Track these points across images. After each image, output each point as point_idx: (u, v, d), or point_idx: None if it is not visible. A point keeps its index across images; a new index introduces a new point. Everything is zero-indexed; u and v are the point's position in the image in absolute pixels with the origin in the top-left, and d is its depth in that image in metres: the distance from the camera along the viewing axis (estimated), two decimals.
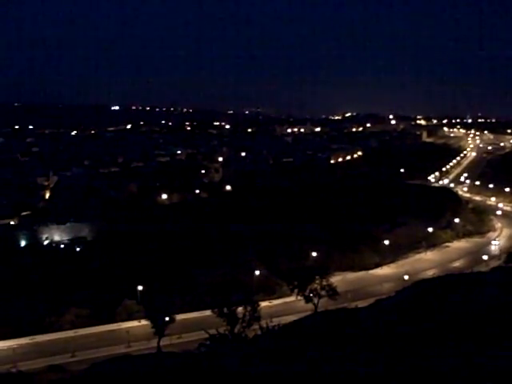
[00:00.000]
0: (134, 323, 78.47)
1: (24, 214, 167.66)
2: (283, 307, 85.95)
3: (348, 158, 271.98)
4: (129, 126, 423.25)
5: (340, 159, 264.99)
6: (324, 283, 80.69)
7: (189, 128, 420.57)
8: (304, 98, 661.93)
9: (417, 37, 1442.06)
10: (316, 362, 34.94)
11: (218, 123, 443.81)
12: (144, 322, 73.46)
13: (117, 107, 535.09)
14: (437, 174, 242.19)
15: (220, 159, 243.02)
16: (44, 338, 74.32)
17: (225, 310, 65.94)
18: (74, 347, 70.16)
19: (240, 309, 65.92)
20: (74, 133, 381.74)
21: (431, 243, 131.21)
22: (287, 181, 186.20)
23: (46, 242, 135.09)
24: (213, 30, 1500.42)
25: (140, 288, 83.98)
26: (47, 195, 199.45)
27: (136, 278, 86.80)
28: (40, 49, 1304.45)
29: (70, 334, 75.86)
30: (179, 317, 72.43)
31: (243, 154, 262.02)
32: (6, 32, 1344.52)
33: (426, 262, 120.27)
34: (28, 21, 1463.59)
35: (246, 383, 34.34)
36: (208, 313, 70.25)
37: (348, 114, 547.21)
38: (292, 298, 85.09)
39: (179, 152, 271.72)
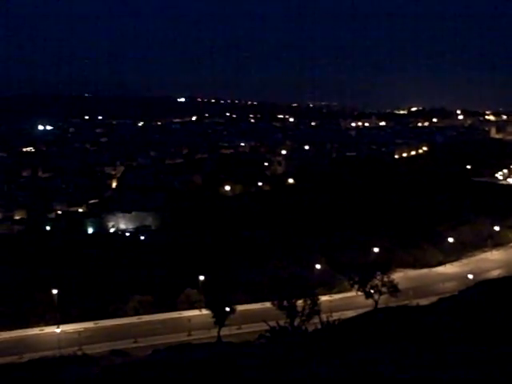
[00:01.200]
0: (195, 312, 79.67)
1: (92, 202, 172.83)
2: (343, 302, 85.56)
3: (413, 153, 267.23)
4: (194, 118, 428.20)
5: (404, 154, 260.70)
6: (385, 279, 79.77)
7: (253, 120, 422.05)
8: (369, 92, 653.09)
9: (486, 30, 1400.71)
10: (375, 360, 34.71)
11: (281, 116, 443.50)
12: (205, 312, 74.49)
13: (183, 99, 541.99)
14: (505, 171, 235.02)
15: (283, 152, 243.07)
16: (108, 323, 76.45)
17: (284, 302, 66.17)
18: (136, 333, 71.89)
19: (300, 302, 66.02)
20: (140, 124, 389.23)
21: (497, 242, 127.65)
22: (350, 175, 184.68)
23: (112, 230, 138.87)
24: (274, 23, 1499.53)
25: (202, 278, 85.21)
26: (114, 184, 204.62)
27: (198, 267, 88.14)
28: (110, 41, 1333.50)
29: (134, 320, 77.75)
30: (239, 308, 73.16)
31: (306, 147, 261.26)
32: (80, 26, 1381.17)
33: (491, 261, 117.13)
34: (100, 15, 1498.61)
35: (303, 376, 34.48)
36: (268, 305, 70.65)
37: (414, 109, 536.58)
38: (352, 294, 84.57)
39: (243, 144, 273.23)
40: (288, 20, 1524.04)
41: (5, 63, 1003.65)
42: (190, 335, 72.34)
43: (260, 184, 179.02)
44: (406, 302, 79.44)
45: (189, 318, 76.03)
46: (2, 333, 72.78)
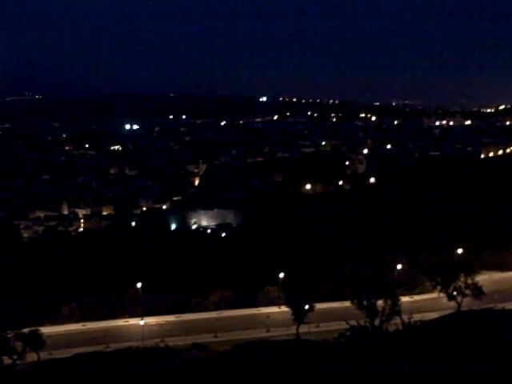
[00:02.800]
0: (274, 309, 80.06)
1: (175, 199, 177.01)
2: (425, 303, 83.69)
3: (500, 152, 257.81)
4: (275, 117, 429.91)
5: (491, 154, 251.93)
6: (469, 281, 77.48)
7: (334, 119, 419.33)
8: (454, 90, 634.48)
9: None
10: (456, 364, 34.03)
11: (363, 115, 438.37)
12: (284, 309, 74.75)
13: (265, 98, 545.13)
14: None
15: (365, 151, 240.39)
16: (189, 317, 78.05)
17: (364, 302, 65.57)
18: (216, 328, 73.02)
19: (380, 302, 65.23)
20: (223, 123, 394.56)
21: None
22: (434, 175, 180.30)
23: (194, 227, 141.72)
24: (361, 23, 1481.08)
25: (282, 275, 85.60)
26: (196, 182, 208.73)
27: (278, 265, 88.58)
28: (194, 42, 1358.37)
29: (214, 314, 79.01)
30: (318, 306, 72.97)
31: (388, 146, 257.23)
32: (165, 26, 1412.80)
33: None
34: (185, 15, 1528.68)
35: (384, 375, 34.27)
36: (347, 304, 70.16)
37: (502, 107, 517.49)
38: (434, 295, 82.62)
39: (324, 143, 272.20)
40: (377, 18, 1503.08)
41: (94, 65, 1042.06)
42: (268, 332, 72.80)
43: (340, 183, 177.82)
44: (491, 305, 76.98)
45: (268, 315, 76.50)
46: (90, 323, 75.77)
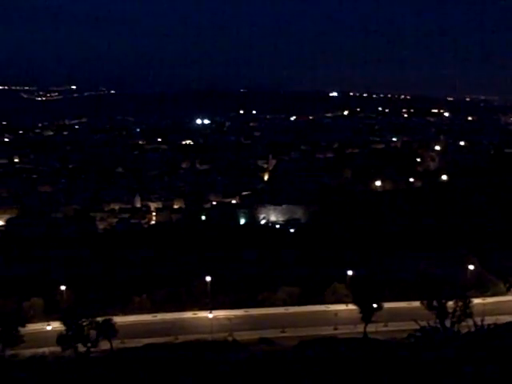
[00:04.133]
0: (342, 307, 79.78)
1: (244, 193, 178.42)
2: (498, 306, 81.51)
3: None
4: (346, 113, 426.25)
5: None
6: None
7: (406, 115, 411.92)
8: None
9: None
10: None
11: (436, 110, 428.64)
12: (351, 307, 74.47)
13: (335, 93, 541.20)
14: None
15: (437, 148, 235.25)
16: (257, 312, 78.79)
17: (434, 302, 64.54)
18: (283, 323, 73.45)
19: (450, 303, 64.07)
20: (293, 118, 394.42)
21: None
22: (509, 173, 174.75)
23: (262, 222, 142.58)
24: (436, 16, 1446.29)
25: (350, 273, 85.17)
26: (266, 177, 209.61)
27: (346, 262, 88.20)
28: (266, 38, 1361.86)
29: (281, 310, 79.50)
30: (386, 305, 72.31)
31: (462, 142, 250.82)
32: (235, 24, 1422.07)
33: None
34: (256, 13, 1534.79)
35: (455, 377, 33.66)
36: (416, 304, 69.22)
37: None
38: (508, 298, 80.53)
39: (395, 139, 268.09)
40: (456, 13, 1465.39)
41: (167, 61, 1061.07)
42: (336, 329, 72.67)
43: (411, 180, 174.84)
44: None
45: (335, 312, 76.38)
46: (160, 314, 77.66)
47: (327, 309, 79.97)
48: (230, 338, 67.73)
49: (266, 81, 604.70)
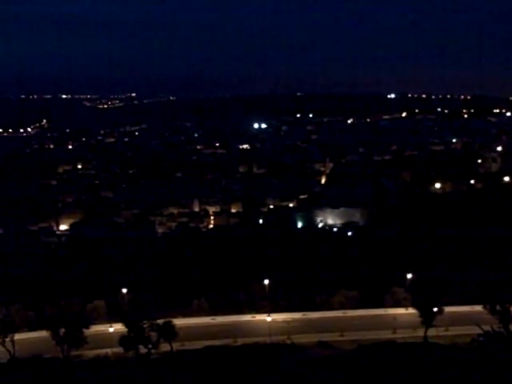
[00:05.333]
0: (401, 310, 78.68)
1: (302, 197, 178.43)
2: None
3: None
4: (404, 114, 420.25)
5: None
6: None
7: (466, 116, 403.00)
8: None
9: None
10: None
11: (497, 110, 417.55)
12: (411, 311, 73.36)
13: (393, 95, 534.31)
14: None
15: (498, 149, 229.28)
16: (315, 315, 78.53)
17: (497, 307, 63.07)
18: (342, 327, 72.98)
19: None
20: (350, 121, 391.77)
21: None
22: None
23: (320, 225, 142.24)
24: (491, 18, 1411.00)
25: (409, 276, 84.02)
26: (323, 180, 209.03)
27: (405, 265, 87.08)
28: (322, 41, 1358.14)
29: (339, 314, 78.99)
30: (447, 309, 70.98)
31: None
32: (291, 28, 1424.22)
33: None
34: (310, 15, 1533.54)
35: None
36: (478, 308, 67.75)
37: None
38: None
39: (455, 140, 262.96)
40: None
41: (222, 65, 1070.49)
42: (395, 333, 71.69)
43: (472, 182, 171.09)
44: None
45: (394, 316, 75.42)
46: (219, 317, 78.47)
47: (386, 312, 79.02)
48: (288, 341, 67.80)
49: (323, 84, 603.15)
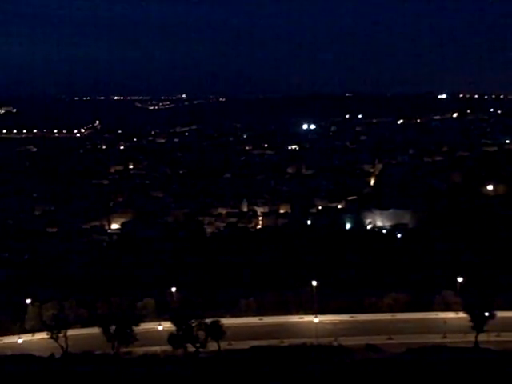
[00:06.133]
0: (451, 314, 77.48)
1: (350, 198, 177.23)
2: None
3: None
4: (455, 115, 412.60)
5: None
6: None
7: None
8: None
9: None
10: None
11: None
12: (461, 315, 72.17)
13: (444, 95, 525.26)
14: None
15: None
16: (363, 318, 78.06)
17: None
18: (390, 330, 72.31)
19: None
20: (400, 122, 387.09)
21: None
22: None
23: (368, 227, 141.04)
24: None
25: (460, 279, 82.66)
26: (372, 182, 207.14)
27: (456, 268, 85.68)
28: (371, 41, 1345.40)
29: (388, 316, 78.27)
30: (500, 314, 69.53)
31: None
32: (341, 29, 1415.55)
33: None
34: (369, 16, 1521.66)
35: None
36: None
37: None
38: None
39: (508, 141, 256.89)
40: None
41: (272, 66, 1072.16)
42: (444, 337, 70.67)
43: None
44: None
45: (444, 320, 74.34)
46: (266, 317, 78.75)
47: (436, 316, 77.93)
48: (335, 343, 67.55)
49: (372, 84, 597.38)
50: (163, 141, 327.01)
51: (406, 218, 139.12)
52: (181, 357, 62.07)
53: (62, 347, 65.81)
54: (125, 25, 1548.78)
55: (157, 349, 65.52)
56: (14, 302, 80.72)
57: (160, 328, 72.45)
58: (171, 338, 64.07)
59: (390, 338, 70.90)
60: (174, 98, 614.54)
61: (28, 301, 79.14)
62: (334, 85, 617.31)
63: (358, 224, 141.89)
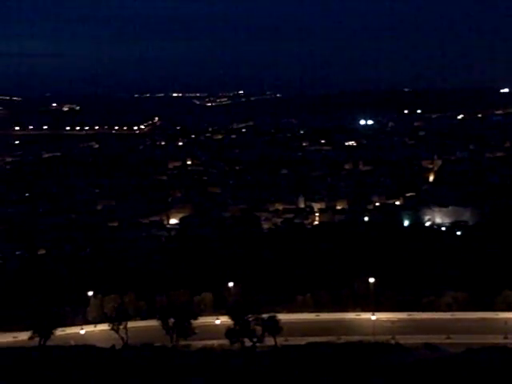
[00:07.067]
0: None
1: (408, 195, 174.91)
2: None
3: None
4: None
5: None
6: None
7: None
8: None
9: None
10: None
11: None
12: None
13: (506, 90, 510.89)
14: None
15: None
16: (421, 316, 77.17)
17: None
18: (449, 329, 71.27)
19: None
20: (460, 116, 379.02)
21: None
22: None
23: (427, 224, 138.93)
24: None
25: None
26: (431, 178, 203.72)
27: None
28: (427, 37, 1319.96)
29: (447, 315, 77.16)
30: None
31: None
32: (395, 25, 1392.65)
33: None
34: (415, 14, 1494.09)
35: None
36: None
37: None
38: None
39: None
40: None
41: (329, 62, 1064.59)
42: (506, 338, 69.19)
43: None
44: None
45: (505, 320, 72.79)
46: (323, 314, 78.80)
47: (496, 316, 76.37)
48: (392, 341, 67.02)
49: (430, 79, 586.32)
50: (220, 137, 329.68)
51: (466, 215, 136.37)
52: (237, 351, 62.79)
53: (122, 339, 67.50)
54: (184, 22, 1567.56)
55: (214, 342, 66.47)
56: (77, 294, 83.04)
57: (217, 322, 73.45)
58: (228, 332, 64.88)
59: (449, 338, 69.93)
60: (231, 94, 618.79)
61: (90, 293, 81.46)
62: (392, 80, 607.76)
63: (417, 221, 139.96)
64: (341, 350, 60.25)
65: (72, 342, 68.27)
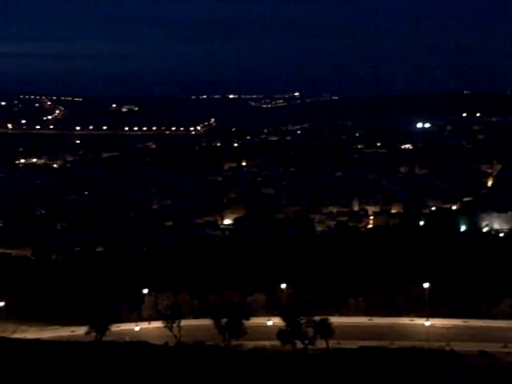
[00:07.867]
0: None
1: (466, 199, 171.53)
2: None
3: None
4: None
5: None
6: None
7: None
8: None
9: None
10: None
11: None
12: None
13: None
14: None
15: None
16: (477, 323, 75.51)
17: None
18: (506, 338, 69.60)
19: None
20: None
21: None
22: None
23: (485, 229, 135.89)
24: None
25: None
26: (490, 183, 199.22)
27: None
28: (484, 36, 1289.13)
29: (503, 323, 75.33)
30: None
31: None
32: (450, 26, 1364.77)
33: None
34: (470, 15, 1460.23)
35: None
36: None
37: None
38: None
39: None
40: None
41: (384, 65, 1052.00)
42: None
43: None
44: None
45: None
46: (376, 318, 78.05)
47: None
48: (447, 348, 65.92)
49: (491, 81, 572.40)
50: (275, 139, 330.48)
51: None
52: (289, 352, 62.91)
53: (175, 336, 68.50)
54: (241, 25, 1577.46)
55: (266, 343, 66.75)
56: (132, 291, 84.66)
57: (269, 323, 73.68)
58: (280, 333, 65.07)
59: (506, 346, 68.24)
60: (286, 96, 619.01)
61: (145, 291, 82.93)
62: (450, 82, 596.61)
63: (474, 226, 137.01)
64: (394, 355, 59.67)
65: (127, 338, 69.61)
